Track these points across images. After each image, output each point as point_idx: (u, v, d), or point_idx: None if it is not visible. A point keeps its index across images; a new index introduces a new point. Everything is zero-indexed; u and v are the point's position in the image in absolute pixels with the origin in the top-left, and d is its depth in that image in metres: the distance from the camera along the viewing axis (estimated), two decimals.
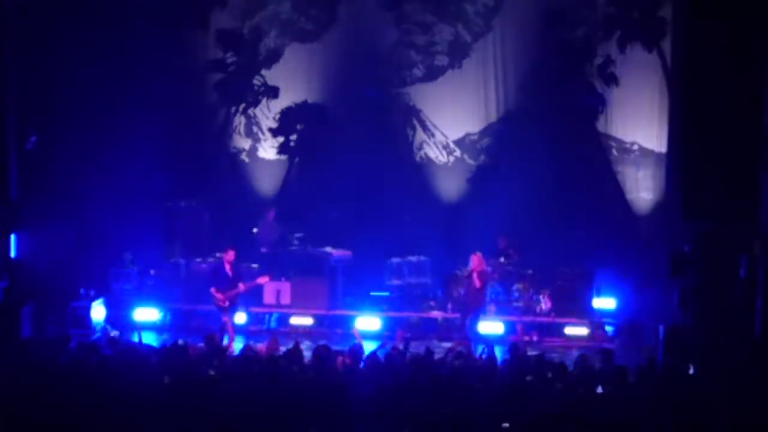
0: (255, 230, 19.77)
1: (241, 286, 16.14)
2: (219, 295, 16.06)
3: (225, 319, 16.10)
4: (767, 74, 14.70)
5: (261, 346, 13.34)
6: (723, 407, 10.41)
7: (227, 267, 16.25)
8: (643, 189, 21.13)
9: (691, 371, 12.37)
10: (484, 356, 13.38)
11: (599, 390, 11.33)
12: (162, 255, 19.67)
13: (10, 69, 17.14)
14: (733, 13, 15.08)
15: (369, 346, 13.33)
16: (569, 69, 20.76)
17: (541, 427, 9.95)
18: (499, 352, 14.29)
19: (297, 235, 19.65)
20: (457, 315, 17.33)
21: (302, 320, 18.02)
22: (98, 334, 17.08)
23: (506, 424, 9.99)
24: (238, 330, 16.69)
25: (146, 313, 18.07)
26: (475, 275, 16.05)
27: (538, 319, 17.75)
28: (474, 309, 16.22)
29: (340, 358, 12.25)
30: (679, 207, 15.53)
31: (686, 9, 16.31)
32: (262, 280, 16.71)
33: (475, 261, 16.18)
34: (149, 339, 15.74)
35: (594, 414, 10.22)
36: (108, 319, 17.88)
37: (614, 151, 21.37)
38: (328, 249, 19.39)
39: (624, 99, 21.00)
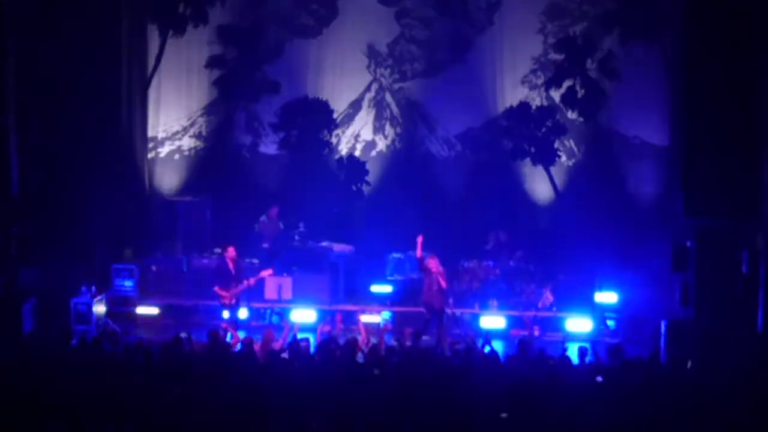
0: (262, 218, 19.68)
1: (246, 282, 16.14)
2: (224, 293, 16.05)
3: (228, 315, 16.10)
4: None
5: (259, 342, 13.31)
6: (724, 402, 10.40)
7: (230, 264, 16.24)
8: (645, 183, 21.14)
9: (689, 365, 12.34)
10: (486, 350, 13.33)
11: (599, 379, 11.35)
12: (163, 251, 19.67)
13: (11, 65, 17.13)
14: (734, 7, 15.07)
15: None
16: (570, 63, 20.74)
17: (543, 419, 9.96)
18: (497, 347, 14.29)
19: (298, 230, 19.63)
20: (460, 309, 17.40)
21: (304, 315, 17.98)
22: (100, 330, 17.07)
23: (504, 414, 10.00)
24: (240, 326, 16.70)
25: (147, 309, 18.06)
26: (439, 277, 16.06)
27: (540, 314, 17.72)
28: (438, 307, 16.22)
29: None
30: (682, 201, 15.53)
31: (687, 3, 16.30)
32: (266, 273, 16.70)
33: (432, 263, 16.17)
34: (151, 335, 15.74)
35: (599, 408, 10.23)
36: (109, 315, 17.87)
37: (616, 146, 21.36)
38: (330, 244, 19.39)
39: (625, 93, 21.01)
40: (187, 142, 22.30)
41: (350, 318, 17.09)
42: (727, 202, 14.81)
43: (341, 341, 12.94)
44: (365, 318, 17.33)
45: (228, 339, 15.12)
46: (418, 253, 16.24)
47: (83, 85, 18.61)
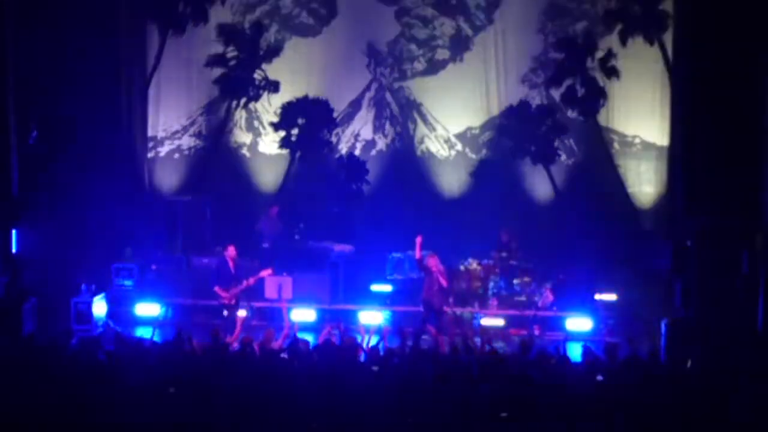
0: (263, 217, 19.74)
1: (246, 282, 16.14)
2: (224, 294, 16.05)
3: (229, 315, 16.11)
4: None
5: (258, 341, 13.32)
6: (724, 402, 10.40)
7: (230, 264, 16.24)
8: (645, 183, 21.18)
9: (689, 365, 12.34)
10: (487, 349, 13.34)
11: (599, 378, 11.35)
12: (163, 250, 19.66)
13: (12, 65, 17.12)
14: (734, 6, 15.06)
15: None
16: (570, 62, 20.74)
17: (543, 419, 9.97)
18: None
19: (298, 229, 19.63)
20: (459, 308, 17.40)
21: (304, 314, 17.98)
22: (100, 330, 17.08)
23: (504, 414, 10.00)
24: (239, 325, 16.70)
25: (147, 309, 18.05)
26: (439, 276, 16.06)
27: (539, 313, 17.72)
28: (438, 307, 16.22)
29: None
30: (682, 201, 15.53)
31: (688, 2, 16.31)
32: (265, 272, 16.70)
33: (432, 262, 16.17)
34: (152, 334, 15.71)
35: (599, 407, 10.23)
36: (109, 315, 17.87)
37: (616, 145, 21.40)
38: (330, 243, 19.38)
39: (626, 92, 21.03)
40: (187, 142, 22.32)
41: (350, 319, 17.10)
42: (727, 202, 14.81)
43: (341, 342, 12.96)
44: (365, 318, 17.35)
45: (228, 338, 15.14)
46: (417, 253, 16.25)
47: (83, 84, 18.61)
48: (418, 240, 16.10)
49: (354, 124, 22.29)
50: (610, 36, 20.93)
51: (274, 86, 21.52)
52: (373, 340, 13.49)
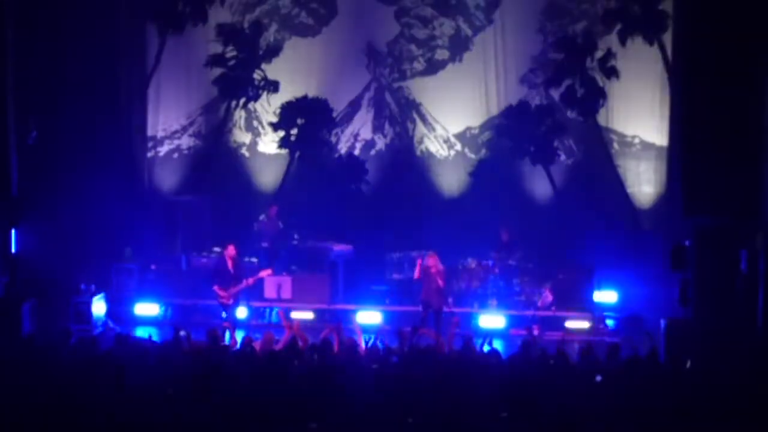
0: (261, 217, 19.73)
1: (246, 282, 16.15)
2: (222, 293, 16.06)
3: (227, 314, 16.12)
4: None
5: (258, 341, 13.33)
6: (724, 402, 10.41)
7: (229, 263, 16.24)
8: (644, 182, 21.17)
9: (688, 365, 12.35)
10: (485, 348, 13.35)
11: (598, 378, 11.36)
12: (163, 250, 19.67)
13: (11, 64, 17.13)
14: (733, 6, 15.07)
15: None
16: (570, 62, 20.74)
17: (542, 419, 9.96)
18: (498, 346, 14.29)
19: (297, 229, 19.64)
20: (459, 308, 17.42)
21: (303, 315, 18.00)
22: (99, 330, 17.09)
23: (504, 414, 10.00)
24: (239, 325, 16.69)
25: (147, 308, 18.07)
26: (437, 276, 16.08)
27: (539, 313, 17.74)
28: (437, 306, 16.24)
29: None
30: (681, 201, 15.54)
31: (687, 2, 16.32)
32: (265, 273, 16.72)
33: (431, 261, 16.19)
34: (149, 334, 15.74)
35: (599, 406, 10.24)
36: (109, 315, 17.88)
37: (615, 145, 21.40)
38: (329, 243, 19.39)
39: (625, 92, 21.01)
40: (187, 141, 22.31)
41: (349, 319, 17.11)
42: (727, 202, 14.82)
43: (340, 341, 12.96)
44: (361, 318, 17.36)
45: (227, 339, 15.13)
46: (416, 273, 16.36)
47: (83, 84, 18.64)
48: (419, 262, 16.23)
49: (353, 124, 22.28)
50: (609, 36, 20.91)
51: (273, 86, 21.50)
52: (371, 340, 13.48)
